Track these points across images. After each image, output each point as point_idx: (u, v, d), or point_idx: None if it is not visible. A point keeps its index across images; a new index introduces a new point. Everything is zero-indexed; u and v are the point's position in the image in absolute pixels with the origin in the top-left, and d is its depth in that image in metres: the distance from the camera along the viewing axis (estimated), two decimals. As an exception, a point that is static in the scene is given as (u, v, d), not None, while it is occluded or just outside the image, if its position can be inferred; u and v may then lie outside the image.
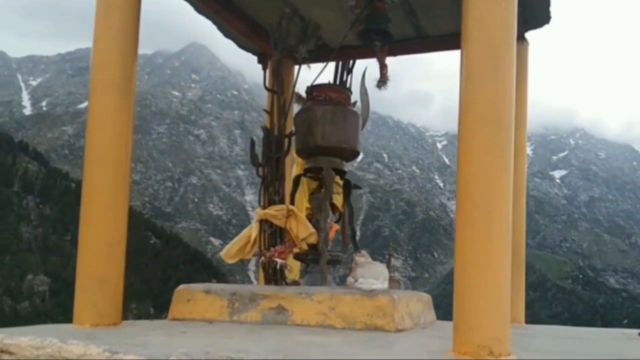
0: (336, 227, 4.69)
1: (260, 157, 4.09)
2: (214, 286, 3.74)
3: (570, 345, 3.35)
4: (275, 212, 3.94)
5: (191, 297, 3.69)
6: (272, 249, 3.94)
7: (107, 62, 3.55)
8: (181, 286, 3.80)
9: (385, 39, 4.30)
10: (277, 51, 4.17)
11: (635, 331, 4.24)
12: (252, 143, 4.22)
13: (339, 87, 4.35)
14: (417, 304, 3.83)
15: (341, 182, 4.56)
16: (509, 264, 2.68)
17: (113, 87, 3.51)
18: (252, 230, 3.99)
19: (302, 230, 3.89)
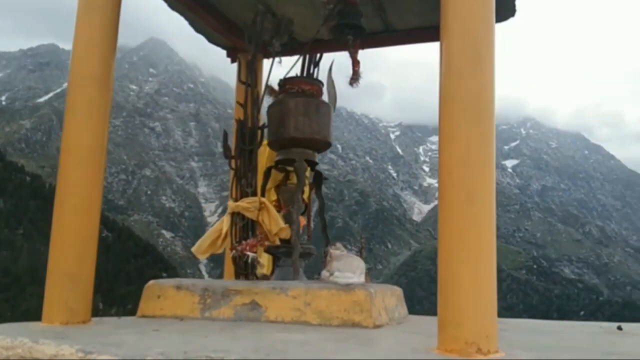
0: (303, 221, 4.64)
1: (232, 149, 4.01)
2: (185, 281, 3.64)
3: (554, 341, 3.29)
4: (247, 205, 3.85)
5: (161, 293, 3.59)
6: (243, 242, 3.85)
7: (87, 57, 3.43)
8: (151, 282, 3.69)
9: (358, 33, 4.26)
10: (252, 46, 4.09)
11: (612, 324, 4.27)
12: (225, 135, 4.12)
13: (312, 80, 4.29)
14: (391, 298, 3.80)
15: (310, 174, 4.52)
16: (495, 256, 2.65)
17: (91, 82, 3.39)
18: (224, 224, 3.89)
19: (274, 224, 3.82)
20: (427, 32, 5.03)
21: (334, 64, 4.65)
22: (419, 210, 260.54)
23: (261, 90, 4.15)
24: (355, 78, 4.37)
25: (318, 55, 4.77)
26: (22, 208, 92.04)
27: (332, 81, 4.74)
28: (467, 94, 2.69)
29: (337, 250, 3.56)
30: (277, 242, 3.98)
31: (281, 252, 4.09)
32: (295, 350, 2.57)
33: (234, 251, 3.86)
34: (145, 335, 2.94)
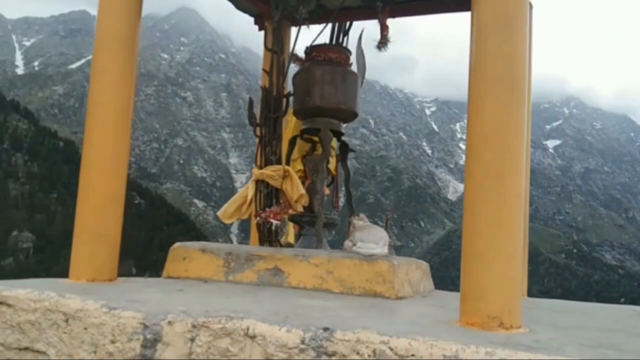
0: (327, 191, 4.64)
1: (258, 117, 4.00)
2: (210, 245, 3.69)
3: (580, 321, 3.21)
4: (271, 173, 3.86)
5: (187, 255, 3.64)
6: (267, 209, 3.87)
7: (112, 18, 3.45)
8: (177, 244, 3.75)
9: (387, 1, 4.18)
10: (278, 11, 4.05)
11: None
12: (251, 102, 4.11)
13: (339, 48, 4.24)
14: (416, 271, 3.79)
15: (336, 145, 4.50)
16: (521, 230, 2.60)
17: (117, 43, 3.42)
18: (249, 190, 3.91)
19: (296, 192, 3.83)
20: (461, 1, 4.90)
21: (364, 33, 4.59)
22: (455, 189, 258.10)
23: (287, 57, 4.11)
24: (383, 42, 4.30)
25: (347, 23, 4.73)
26: (55, 172, 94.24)
27: (362, 51, 4.67)
28: (497, 64, 2.62)
29: (360, 221, 3.55)
30: (300, 210, 3.98)
31: (305, 221, 4.10)
32: (316, 314, 2.58)
33: (258, 218, 3.89)
34: (168, 294, 3.00)
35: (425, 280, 3.92)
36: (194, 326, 2.42)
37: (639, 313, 3.94)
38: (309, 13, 4.16)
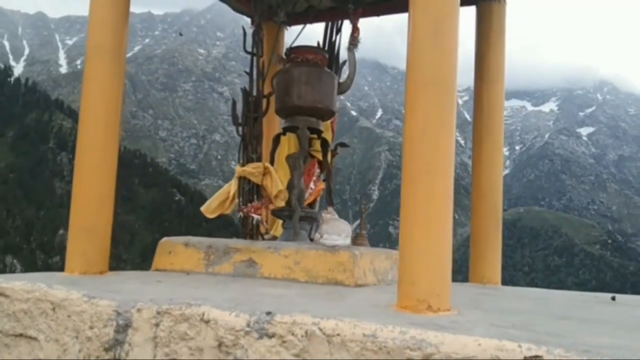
0: (322, 185, 4.89)
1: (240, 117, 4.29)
2: (193, 239, 4.00)
3: (527, 306, 3.44)
4: (252, 170, 4.15)
5: (172, 249, 3.97)
6: (248, 204, 4.17)
7: (101, 29, 3.81)
8: (164, 239, 4.08)
9: (358, 2, 4.41)
10: (257, 15, 4.32)
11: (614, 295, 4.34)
12: (234, 103, 4.40)
13: (316, 49, 4.48)
14: (384, 261, 4.03)
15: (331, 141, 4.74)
16: (450, 222, 2.81)
17: (106, 54, 3.77)
18: (231, 187, 4.21)
19: (274, 188, 4.11)
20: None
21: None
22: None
23: (267, 59, 4.38)
24: (354, 44, 4.55)
25: (340, 22, 5.00)
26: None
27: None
28: (428, 67, 2.83)
29: (328, 215, 3.80)
30: (280, 205, 4.26)
31: (285, 215, 4.37)
32: (268, 301, 2.87)
33: (240, 212, 4.19)
34: (146, 285, 3.32)
35: (397, 269, 4.13)
36: (158, 312, 2.73)
37: (600, 299, 4.11)
38: (286, 16, 4.42)
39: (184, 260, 3.89)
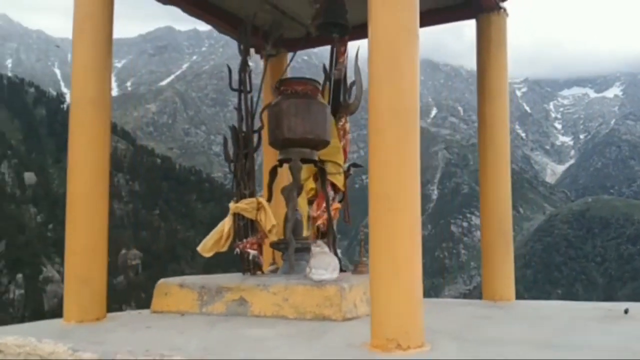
0: (337, 206, 4.87)
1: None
2: (188, 280, 4.05)
3: (520, 331, 3.33)
4: (245, 206, 4.17)
5: (168, 290, 4.02)
6: (244, 240, 4.18)
7: (84, 80, 3.91)
8: (161, 280, 4.14)
9: (343, 31, 4.38)
10: (242, 51, 4.36)
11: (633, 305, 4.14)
12: (225, 141, 4.43)
13: (305, 80, 4.45)
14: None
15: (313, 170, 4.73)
16: (418, 259, 2.75)
17: (89, 104, 3.87)
18: (225, 224, 4.23)
19: (268, 223, 4.11)
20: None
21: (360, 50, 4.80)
22: (552, 171, 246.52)
23: (254, 95, 4.41)
24: (339, 69, 4.53)
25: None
26: (155, 189, 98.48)
27: (359, 68, 4.85)
28: (386, 104, 2.78)
29: (317, 248, 3.76)
30: (275, 240, 4.25)
31: (281, 248, 4.36)
32: (243, 346, 2.89)
33: (236, 249, 4.20)
34: (134, 333, 3.38)
35: None
36: None
37: (611, 313, 3.92)
38: (274, 47, 4.44)
39: (179, 301, 3.93)
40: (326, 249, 3.80)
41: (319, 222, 4.79)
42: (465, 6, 5.06)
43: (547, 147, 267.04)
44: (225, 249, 4.25)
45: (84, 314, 3.73)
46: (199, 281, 3.97)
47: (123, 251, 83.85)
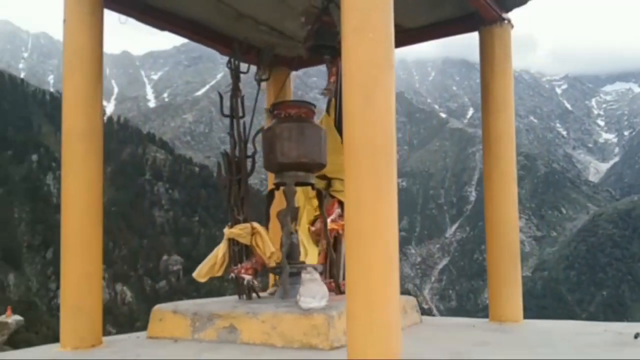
0: (338, 226, 4.85)
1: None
2: (182, 306, 4.08)
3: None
4: (239, 231, 4.18)
5: (162, 316, 4.06)
6: (239, 265, 4.19)
7: (74, 114, 3.99)
8: (156, 307, 4.19)
9: (334, 52, 4.36)
10: (233, 78, 4.40)
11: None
12: (219, 166, 4.45)
13: (299, 103, 4.44)
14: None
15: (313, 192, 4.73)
16: (394, 294, 2.73)
17: (80, 136, 3.96)
18: (220, 250, 4.25)
19: (267, 248, 4.11)
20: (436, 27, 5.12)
21: None
22: (596, 169, 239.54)
23: (246, 121, 4.42)
24: (328, 89, 4.54)
25: None
26: (195, 197, 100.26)
27: None
28: (360, 137, 2.75)
29: (307, 275, 3.73)
30: (273, 265, 4.24)
31: (277, 272, 4.35)
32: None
33: (232, 274, 4.22)
34: (123, 363, 3.43)
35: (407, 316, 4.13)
36: None
37: (624, 336, 3.76)
38: (265, 71, 4.48)
39: (173, 327, 3.97)
40: (316, 275, 3.77)
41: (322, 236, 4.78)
42: (467, 19, 4.97)
43: (590, 145, 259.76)
44: (220, 274, 4.27)
45: (79, 341, 3.81)
46: (192, 307, 4.00)
47: (165, 257, 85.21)
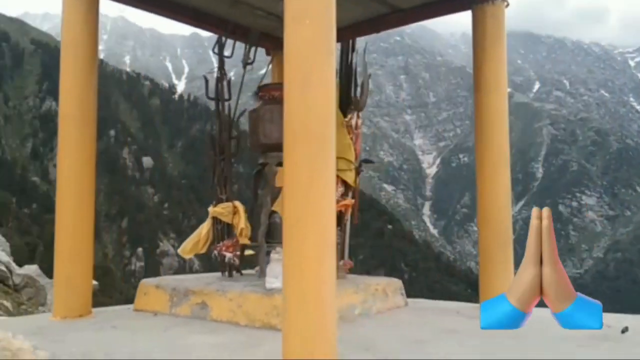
0: (348, 202, 4.91)
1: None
2: (164, 281, 4.28)
3: (472, 352, 3.26)
4: (222, 210, 4.33)
5: (147, 291, 4.28)
6: (221, 243, 4.34)
7: (70, 101, 4.20)
8: (142, 281, 4.41)
9: None
10: (220, 60, 4.50)
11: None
12: (212, 138, 4.56)
13: (281, 85, 4.47)
14: (351, 295, 4.01)
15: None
16: (328, 284, 2.73)
17: (74, 120, 4.17)
18: (204, 228, 4.41)
19: (240, 225, 4.24)
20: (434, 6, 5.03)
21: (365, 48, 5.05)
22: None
23: (232, 104, 4.52)
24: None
25: (350, 41, 5.08)
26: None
27: (365, 63, 5.06)
28: (297, 121, 2.78)
29: (275, 255, 3.81)
30: (246, 241, 4.36)
31: (257, 251, 4.46)
32: (161, 356, 3.04)
33: (215, 251, 4.37)
34: (98, 333, 3.64)
35: (373, 300, 4.17)
36: None
37: (609, 331, 3.58)
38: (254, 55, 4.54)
39: (155, 301, 4.17)
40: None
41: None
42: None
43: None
44: (204, 250, 4.43)
45: (68, 311, 4.06)
46: (172, 283, 4.18)
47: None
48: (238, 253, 4.38)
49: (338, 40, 5.06)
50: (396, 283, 4.61)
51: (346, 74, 4.92)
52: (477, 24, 4.70)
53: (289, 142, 2.80)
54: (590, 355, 3.22)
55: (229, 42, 4.73)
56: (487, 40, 4.63)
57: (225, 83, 4.51)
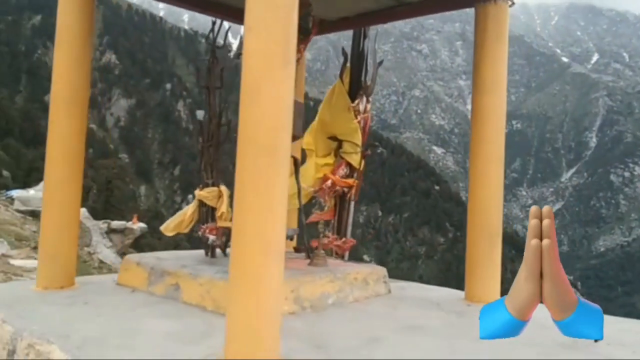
0: (350, 182, 4.92)
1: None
2: (145, 258, 4.37)
3: (424, 351, 3.19)
4: (206, 194, 4.38)
5: (129, 267, 4.39)
6: (205, 225, 4.39)
7: (62, 81, 4.28)
8: (126, 256, 4.52)
9: (304, 32, 4.53)
10: (210, 49, 4.52)
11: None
12: (201, 125, 4.58)
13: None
14: (326, 285, 4.00)
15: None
16: (274, 280, 2.73)
17: (66, 101, 4.25)
18: (189, 208, 4.47)
19: (221, 209, 4.28)
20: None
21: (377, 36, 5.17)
22: None
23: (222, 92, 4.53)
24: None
25: (362, 29, 5.18)
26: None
27: (374, 50, 5.12)
28: (249, 127, 2.73)
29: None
30: (225, 224, 4.38)
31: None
32: (112, 342, 3.09)
33: (199, 232, 4.43)
34: (66, 309, 3.74)
35: (352, 289, 4.21)
36: (28, 344, 3.19)
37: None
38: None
39: (135, 278, 4.27)
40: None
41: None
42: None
43: None
44: (186, 230, 4.50)
45: (49, 281, 4.20)
46: (151, 261, 4.26)
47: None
48: (223, 238, 4.42)
49: (349, 27, 5.12)
50: (380, 271, 4.58)
51: (357, 60, 5.03)
52: (479, 23, 4.59)
53: (241, 150, 2.75)
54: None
55: (222, 32, 4.71)
56: (486, 40, 4.53)
57: (218, 71, 4.48)
